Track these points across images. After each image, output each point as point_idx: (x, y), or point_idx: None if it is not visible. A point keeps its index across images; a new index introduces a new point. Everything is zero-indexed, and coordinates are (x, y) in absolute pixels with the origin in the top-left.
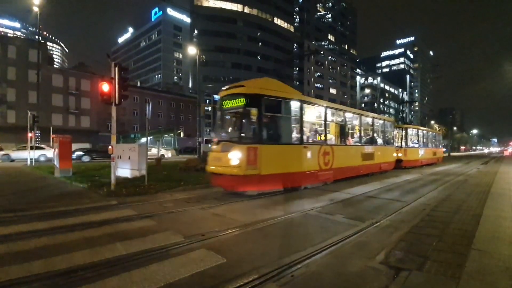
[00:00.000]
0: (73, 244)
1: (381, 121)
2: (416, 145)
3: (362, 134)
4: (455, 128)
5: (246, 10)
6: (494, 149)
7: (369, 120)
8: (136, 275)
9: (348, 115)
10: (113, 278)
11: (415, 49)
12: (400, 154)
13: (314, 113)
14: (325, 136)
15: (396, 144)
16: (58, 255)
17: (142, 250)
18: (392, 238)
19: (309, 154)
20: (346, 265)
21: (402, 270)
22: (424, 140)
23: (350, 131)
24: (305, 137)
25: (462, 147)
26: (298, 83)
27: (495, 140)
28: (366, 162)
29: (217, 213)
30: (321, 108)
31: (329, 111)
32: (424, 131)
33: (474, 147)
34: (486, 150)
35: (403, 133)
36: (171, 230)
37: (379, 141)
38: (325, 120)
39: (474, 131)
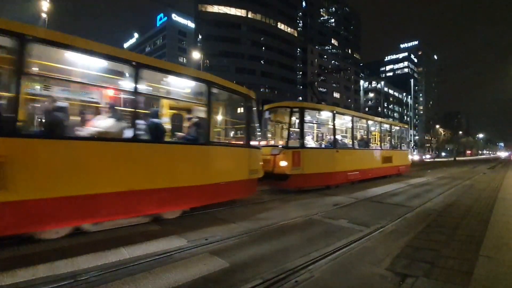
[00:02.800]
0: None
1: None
2: (332, 145)
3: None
4: (460, 132)
5: (250, 15)
6: (503, 153)
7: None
8: (139, 279)
9: None
10: (117, 282)
11: (419, 53)
12: (284, 163)
13: None
14: None
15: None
16: (62, 259)
17: (146, 254)
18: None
19: None
20: (351, 271)
21: (408, 277)
22: (361, 136)
23: None
24: None
25: (468, 152)
26: (301, 87)
27: (502, 144)
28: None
29: (220, 217)
30: None
31: None
32: (362, 120)
33: (480, 152)
34: (491, 155)
35: (296, 121)
36: (175, 234)
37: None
38: None
39: (480, 135)
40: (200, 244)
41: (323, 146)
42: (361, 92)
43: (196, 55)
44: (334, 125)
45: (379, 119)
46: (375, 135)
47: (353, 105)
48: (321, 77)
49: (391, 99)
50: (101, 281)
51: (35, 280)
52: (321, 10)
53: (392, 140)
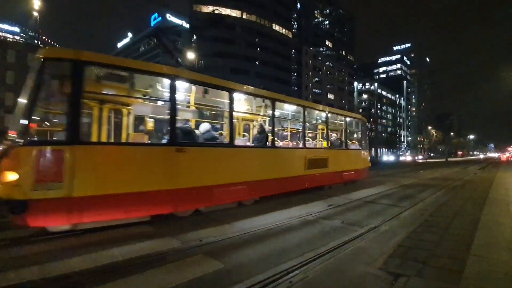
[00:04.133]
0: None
1: None
2: (170, 140)
3: None
4: (452, 133)
5: (245, 16)
6: (492, 154)
7: None
8: (133, 281)
9: None
10: (109, 284)
11: (412, 55)
12: (11, 176)
13: None
14: None
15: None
16: (54, 261)
17: (139, 256)
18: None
19: None
20: (344, 270)
21: (401, 276)
22: (260, 126)
23: None
24: None
25: (459, 152)
26: (296, 88)
27: (492, 145)
28: None
29: (214, 218)
30: None
31: None
32: (266, 101)
33: (471, 152)
34: (481, 156)
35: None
36: (169, 236)
37: None
38: None
39: (471, 136)
40: (194, 245)
41: (163, 141)
42: (355, 94)
43: (190, 55)
44: (173, 103)
45: (305, 102)
46: (303, 127)
47: (347, 106)
48: (316, 79)
49: (384, 100)
50: (93, 283)
51: (26, 283)
52: (316, 11)
53: (333, 135)
